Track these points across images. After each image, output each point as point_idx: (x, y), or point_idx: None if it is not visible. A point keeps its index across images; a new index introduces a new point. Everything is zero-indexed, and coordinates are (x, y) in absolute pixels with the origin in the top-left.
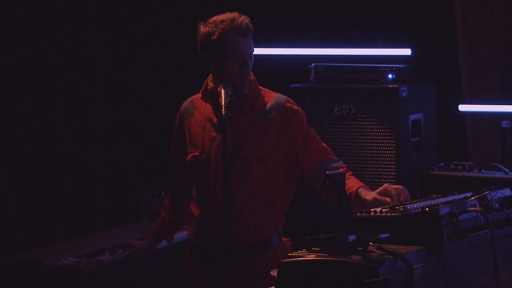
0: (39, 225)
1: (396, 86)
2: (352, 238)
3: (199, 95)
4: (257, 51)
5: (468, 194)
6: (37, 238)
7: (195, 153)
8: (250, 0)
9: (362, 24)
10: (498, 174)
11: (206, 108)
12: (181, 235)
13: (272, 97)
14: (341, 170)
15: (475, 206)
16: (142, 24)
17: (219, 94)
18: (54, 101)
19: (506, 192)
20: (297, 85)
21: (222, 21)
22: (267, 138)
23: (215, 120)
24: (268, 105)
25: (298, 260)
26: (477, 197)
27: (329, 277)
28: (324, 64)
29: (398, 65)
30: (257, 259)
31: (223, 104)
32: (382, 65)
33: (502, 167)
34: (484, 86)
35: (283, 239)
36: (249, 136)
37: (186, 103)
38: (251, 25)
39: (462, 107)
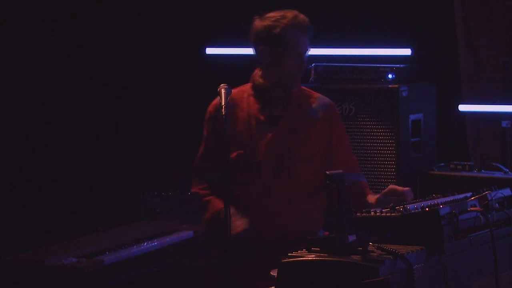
0: (39, 225)
1: (396, 86)
2: (352, 238)
3: (235, 90)
4: (253, 51)
5: (468, 194)
6: (37, 238)
7: (240, 151)
8: (250, 0)
9: (362, 24)
10: (498, 174)
11: (250, 105)
12: (180, 235)
13: (316, 98)
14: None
15: (475, 206)
16: (142, 24)
17: (219, 93)
18: (54, 101)
19: (506, 192)
20: None
21: (283, 17)
22: (313, 138)
23: (261, 117)
24: (313, 105)
25: (298, 260)
26: (477, 197)
27: (329, 277)
28: (324, 64)
29: (398, 65)
30: None
31: (223, 104)
32: (382, 65)
33: (502, 167)
34: (484, 86)
35: (325, 233)
36: (297, 135)
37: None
38: (310, 25)
39: (462, 107)
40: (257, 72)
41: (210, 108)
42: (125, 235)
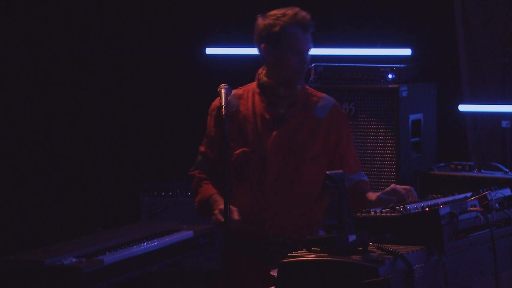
0: (39, 225)
1: (396, 86)
2: (352, 238)
3: (240, 90)
4: (257, 51)
5: (468, 194)
6: (37, 238)
7: (245, 149)
8: (249, 0)
9: (362, 24)
10: (498, 174)
11: (256, 103)
12: (180, 235)
13: (320, 97)
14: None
15: (475, 206)
16: (142, 24)
17: (219, 94)
18: (54, 101)
19: (506, 192)
20: None
21: (284, 15)
22: (319, 138)
23: (267, 116)
24: (318, 105)
25: (298, 260)
26: (477, 197)
27: (329, 277)
28: (324, 64)
29: (398, 65)
30: None
31: (223, 104)
32: (382, 65)
33: (502, 167)
34: (484, 86)
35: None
36: (302, 135)
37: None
38: (311, 22)
39: (462, 107)
40: (261, 71)
41: (213, 107)
42: (125, 235)
